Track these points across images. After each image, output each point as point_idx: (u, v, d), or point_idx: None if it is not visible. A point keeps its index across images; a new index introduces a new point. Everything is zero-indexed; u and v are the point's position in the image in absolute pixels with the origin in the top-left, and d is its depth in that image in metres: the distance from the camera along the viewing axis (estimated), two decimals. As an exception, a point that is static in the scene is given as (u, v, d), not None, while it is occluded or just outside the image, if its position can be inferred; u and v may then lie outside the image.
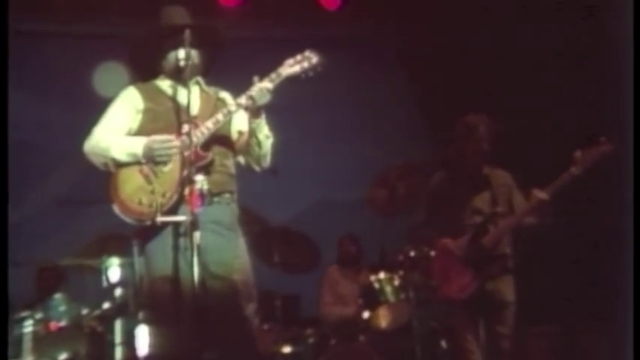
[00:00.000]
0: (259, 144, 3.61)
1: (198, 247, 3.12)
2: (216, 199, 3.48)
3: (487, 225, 4.55)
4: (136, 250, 3.63)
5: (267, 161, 3.69)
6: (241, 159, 3.71)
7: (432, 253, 4.90)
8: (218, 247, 3.43)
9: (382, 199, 5.61)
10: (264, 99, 3.47)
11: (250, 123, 3.57)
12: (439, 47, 6.90)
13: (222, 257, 3.44)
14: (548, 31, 5.92)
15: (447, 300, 4.63)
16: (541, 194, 4.39)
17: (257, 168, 3.71)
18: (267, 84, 3.47)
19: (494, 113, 4.68)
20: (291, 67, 3.53)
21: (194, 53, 3.55)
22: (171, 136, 3.45)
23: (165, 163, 3.43)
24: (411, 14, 6.92)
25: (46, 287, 5.51)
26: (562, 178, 4.36)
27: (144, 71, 3.74)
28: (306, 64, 3.53)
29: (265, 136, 3.62)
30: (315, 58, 3.55)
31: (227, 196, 3.54)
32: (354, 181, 6.30)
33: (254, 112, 3.53)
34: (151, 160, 3.43)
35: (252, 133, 3.58)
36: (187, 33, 3.44)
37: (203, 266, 3.20)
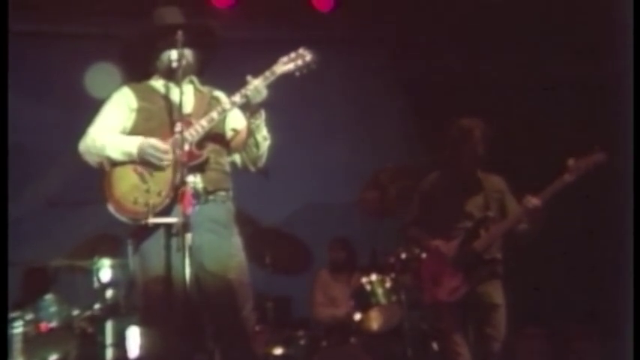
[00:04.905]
0: (257, 145, 3.60)
1: (190, 248, 3.11)
2: (211, 197, 3.47)
3: (478, 229, 4.57)
4: (130, 249, 3.62)
5: (262, 162, 3.68)
6: (237, 158, 3.69)
7: (423, 255, 4.91)
8: (214, 246, 3.42)
9: (374, 200, 5.62)
10: (259, 97, 3.47)
11: (250, 123, 3.56)
12: (433, 49, 6.90)
13: (218, 256, 3.43)
14: (545, 35, 5.93)
15: (437, 303, 4.64)
16: (533, 200, 4.41)
17: (252, 168, 3.70)
18: (261, 82, 3.47)
19: (489, 117, 4.69)
20: (285, 64, 3.53)
21: (187, 53, 3.54)
22: (166, 145, 3.42)
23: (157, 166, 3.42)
24: (404, 16, 6.92)
25: (36, 288, 5.47)
26: (555, 184, 4.39)
27: (137, 72, 3.73)
28: (300, 62, 3.54)
29: (263, 137, 3.60)
30: (308, 56, 3.56)
31: (222, 193, 3.53)
32: (346, 184, 6.30)
33: (254, 112, 3.52)
34: (144, 162, 3.42)
35: (251, 133, 3.57)
36: (180, 34, 3.43)
37: (199, 265, 3.20)
